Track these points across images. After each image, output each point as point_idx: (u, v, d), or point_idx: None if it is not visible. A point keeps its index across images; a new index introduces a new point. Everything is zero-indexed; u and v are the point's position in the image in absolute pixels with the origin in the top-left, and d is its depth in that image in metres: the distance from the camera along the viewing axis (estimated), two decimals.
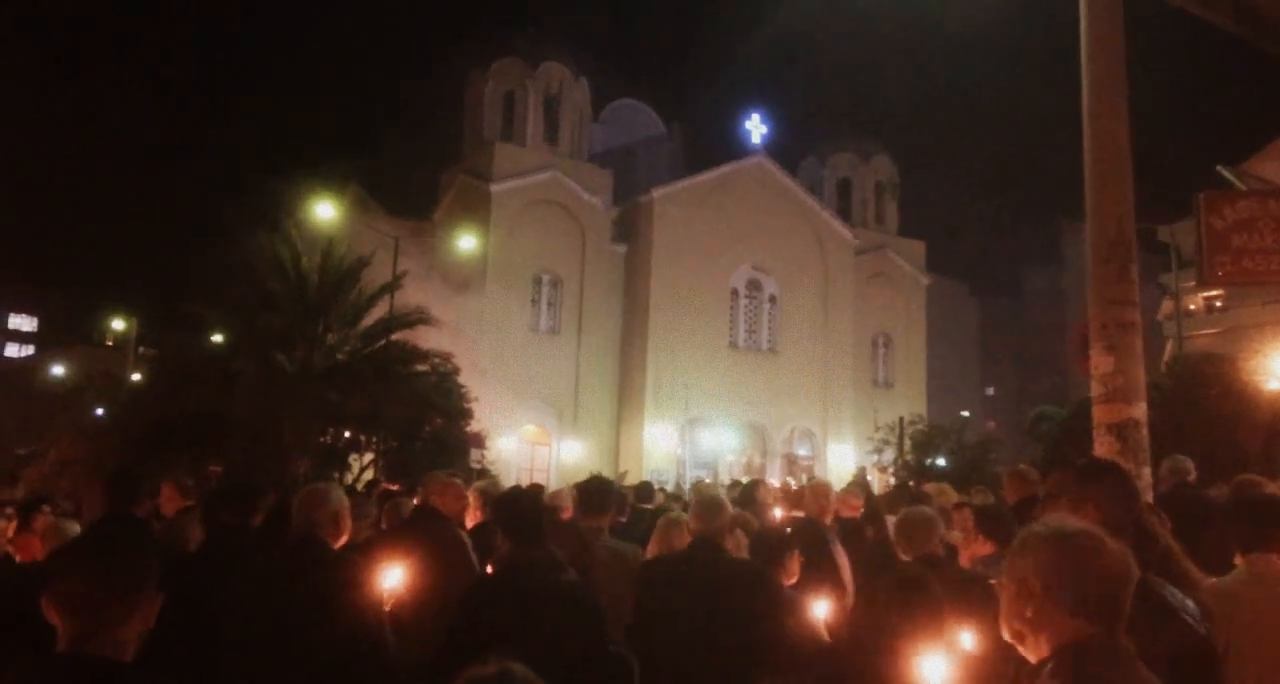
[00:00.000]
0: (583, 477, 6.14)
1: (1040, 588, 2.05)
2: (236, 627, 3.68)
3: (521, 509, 3.89)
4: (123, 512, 5.37)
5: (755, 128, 46.99)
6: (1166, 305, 35.50)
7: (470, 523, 5.75)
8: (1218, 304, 39.01)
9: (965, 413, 48.29)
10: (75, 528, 5.16)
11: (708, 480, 29.20)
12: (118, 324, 44.39)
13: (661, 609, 4.09)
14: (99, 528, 5.36)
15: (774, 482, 30.78)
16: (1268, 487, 5.19)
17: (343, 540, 4.10)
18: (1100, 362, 5.72)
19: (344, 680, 3.53)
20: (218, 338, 20.15)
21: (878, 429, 33.77)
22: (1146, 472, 5.64)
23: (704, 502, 4.40)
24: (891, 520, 5.48)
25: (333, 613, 3.63)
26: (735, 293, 45.86)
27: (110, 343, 49.93)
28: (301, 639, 3.55)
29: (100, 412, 24.18)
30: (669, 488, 17.64)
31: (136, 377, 30.03)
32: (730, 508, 4.47)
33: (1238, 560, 3.57)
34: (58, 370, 41.92)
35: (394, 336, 19.65)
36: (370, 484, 14.06)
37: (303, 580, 3.71)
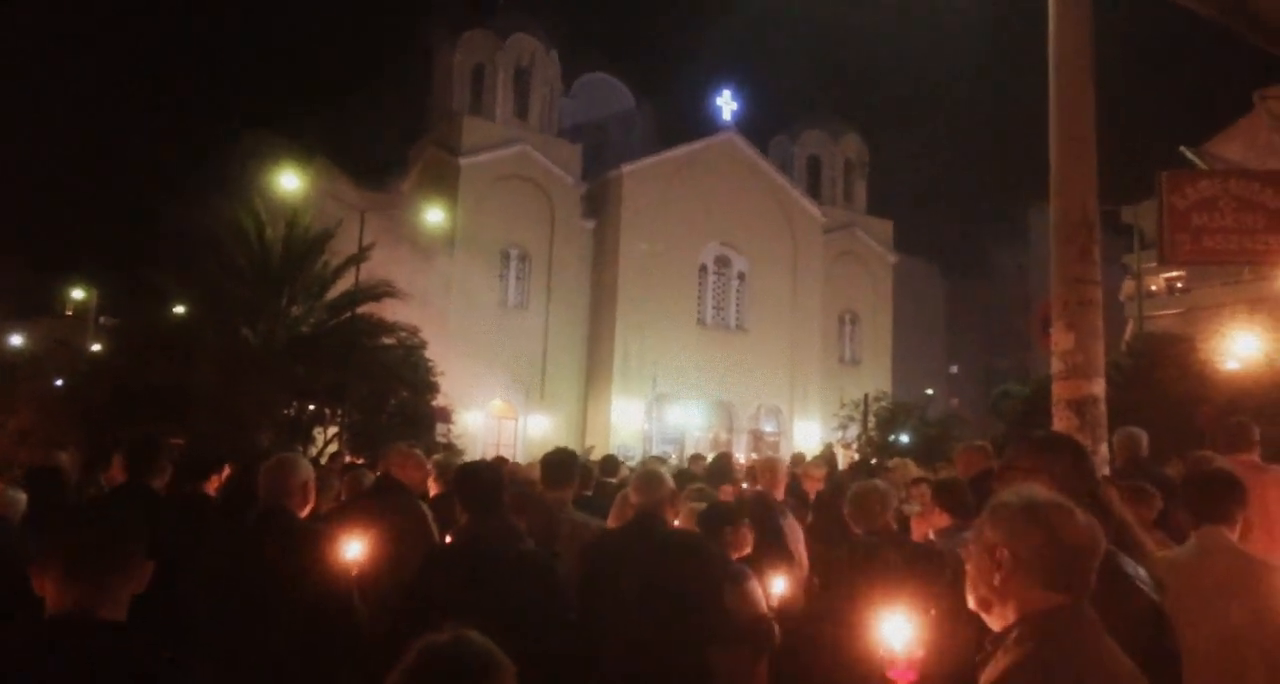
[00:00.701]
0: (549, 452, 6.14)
1: (1010, 557, 2.05)
2: (209, 595, 3.66)
3: (480, 480, 3.89)
4: (138, 482, 5.36)
5: (726, 104, 46.91)
6: (1129, 286, 35.94)
7: (431, 494, 5.75)
8: (1179, 285, 39.56)
9: (930, 391, 48.77)
10: (22, 497, 5.10)
11: (672, 456, 29.29)
12: (78, 294, 43.81)
13: (607, 584, 4.10)
14: (113, 495, 5.34)
15: (740, 457, 30.91)
16: (1219, 462, 5.27)
17: (308, 511, 4.09)
18: (1061, 339, 5.79)
19: (316, 647, 3.52)
20: (180, 309, 19.91)
21: (843, 406, 34.04)
22: (1104, 447, 5.73)
23: (644, 475, 4.41)
24: None
25: (303, 580, 3.63)
26: (704, 269, 45.90)
27: (70, 313, 49.21)
28: (274, 607, 3.55)
29: (60, 382, 23.83)
30: (634, 464, 17.67)
31: (97, 347, 29.65)
32: (670, 482, 4.47)
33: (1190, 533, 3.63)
34: (16, 340, 41.24)
35: (360, 309, 19.50)
36: (333, 457, 13.99)
37: (271, 549, 3.71)
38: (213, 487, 5.62)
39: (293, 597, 3.60)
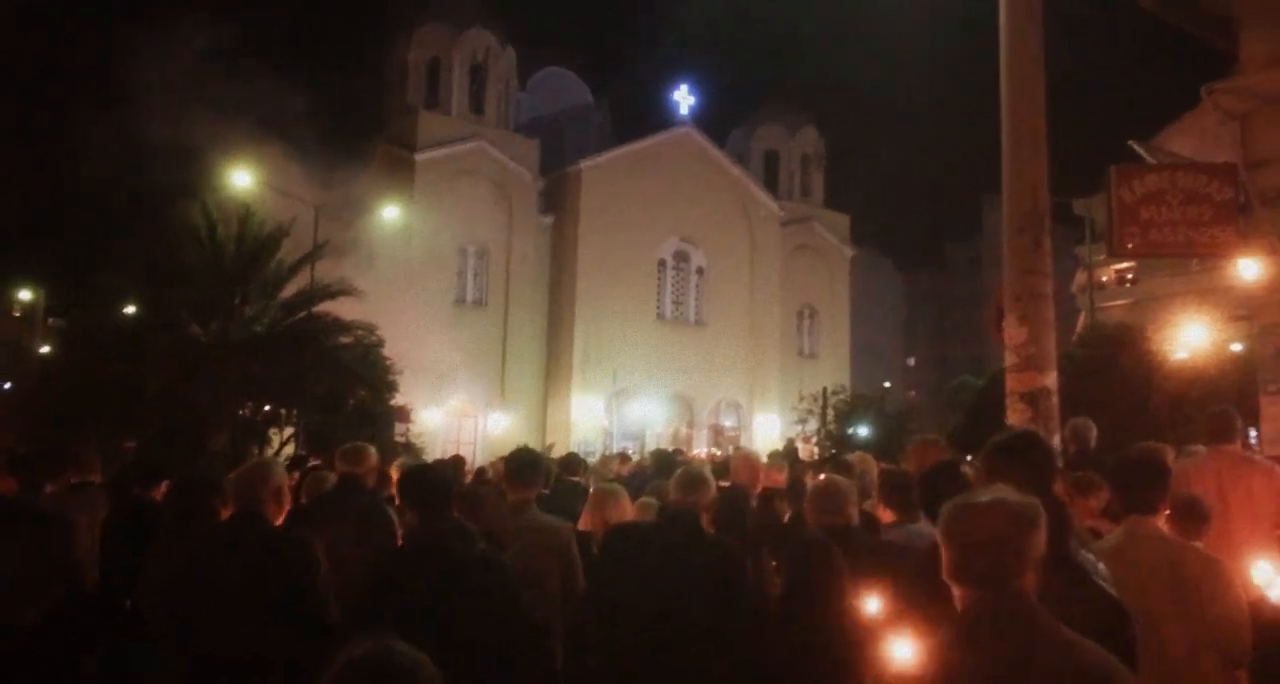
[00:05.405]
0: (510, 450, 6.09)
1: (944, 557, 2.20)
2: (168, 602, 3.60)
3: (425, 481, 3.86)
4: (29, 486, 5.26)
5: (683, 99, 46.90)
6: (1080, 277, 36.46)
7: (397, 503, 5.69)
8: (1129, 276, 40.19)
9: (887, 383, 49.21)
10: None
11: (632, 453, 29.23)
12: (25, 294, 42.93)
13: (625, 578, 4.08)
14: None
15: (700, 452, 30.98)
16: (1165, 454, 5.35)
17: (281, 518, 4.05)
18: (1014, 332, 5.86)
19: (291, 656, 3.48)
20: (131, 309, 19.60)
21: (801, 400, 34.20)
22: (1056, 439, 5.82)
23: (688, 475, 4.39)
24: None
25: (282, 587, 3.59)
26: (663, 264, 45.92)
27: (18, 314, 48.25)
28: (247, 615, 3.50)
29: (8, 385, 23.38)
30: (594, 460, 17.65)
31: (46, 348, 29.10)
32: (713, 487, 4.43)
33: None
34: None
35: (316, 308, 19.27)
36: (296, 460, 13.76)
37: (247, 555, 3.66)
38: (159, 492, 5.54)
39: (269, 604, 3.55)
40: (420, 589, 3.47)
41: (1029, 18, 6.19)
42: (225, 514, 4.25)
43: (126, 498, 5.62)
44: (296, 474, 7.25)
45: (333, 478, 6.28)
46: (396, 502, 5.73)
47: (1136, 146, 8.24)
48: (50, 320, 36.77)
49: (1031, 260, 5.87)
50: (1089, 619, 2.37)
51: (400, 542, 4.82)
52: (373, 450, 5.69)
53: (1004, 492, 2.24)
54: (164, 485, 5.73)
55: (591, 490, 5.93)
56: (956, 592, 2.17)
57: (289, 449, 18.21)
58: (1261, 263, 6.89)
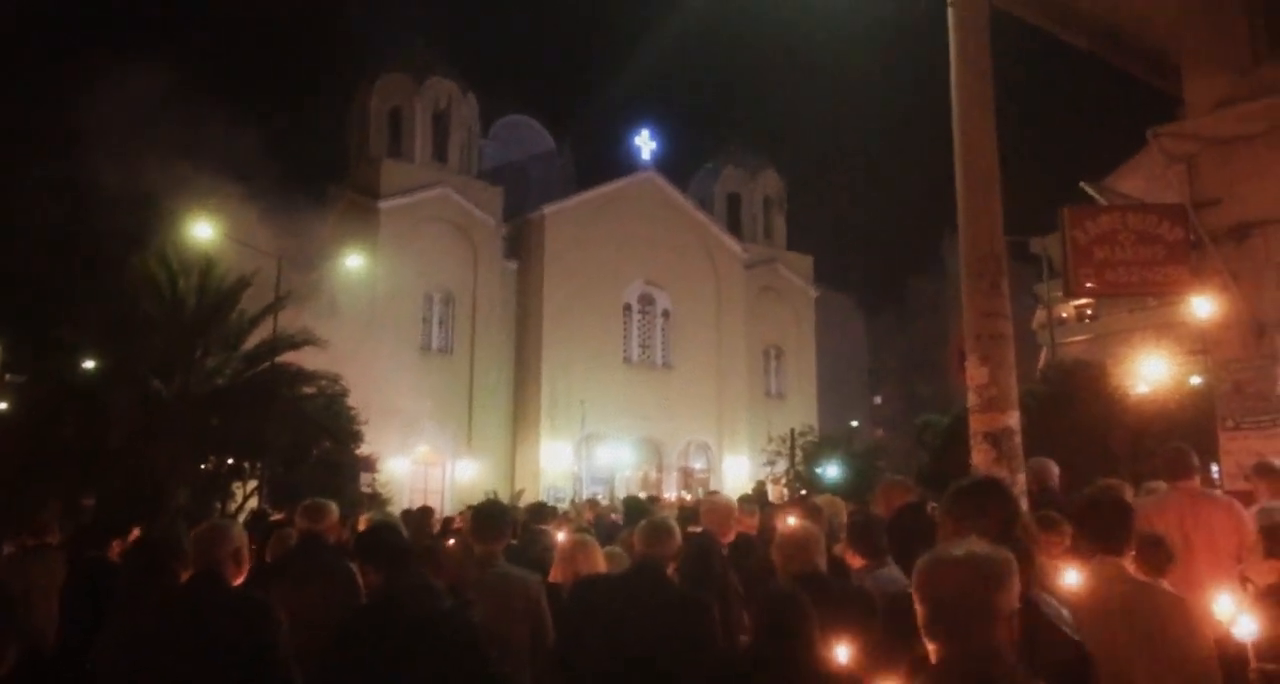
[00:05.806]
0: (478, 497, 6.03)
1: (918, 613, 2.19)
2: (126, 666, 3.53)
3: (388, 538, 3.82)
4: None
5: (644, 143, 47.30)
6: (1040, 314, 36.96)
7: None
8: (1088, 312, 40.79)
9: (854, 422, 49.38)
10: None
11: (602, 498, 29.10)
12: None
13: (591, 631, 4.03)
14: None
15: (670, 496, 30.87)
16: (1124, 491, 5.39)
17: (241, 578, 3.99)
18: (975, 373, 5.91)
19: None
20: (90, 364, 19.32)
21: (770, 441, 34.21)
22: (1021, 478, 5.85)
23: (652, 526, 4.34)
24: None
25: (237, 653, 3.52)
26: (628, 308, 46.00)
27: None
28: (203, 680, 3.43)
29: None
30: (564, 506, 17.52)
31: (3, 405, 28.56)
32: (679, 536, 4.38)
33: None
34: None
35: (279, 359, 19.10)
36: (258, 516, 13.53)
37: (204, 618, 3.59)
38: (115, 552, 5.45)
39: (229, 665, 3.49)
40: (385, 646, 3.42)
41: (979, 63, 6.32)
42: (184, 576, 4.18)
43: (83, 560, 5.51)
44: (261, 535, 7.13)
45: (295, 535, 6.19)
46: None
47: (1088, 188, 8.42)
48: (8, 377, 36.12)
49: (990, 303, 5.95)
50: (1053, 664, 2.37)
51: (364, 599, 4.76)
52: (334, 506, 5.61)
53: (976, 545, 2.23)
54: (115, 545, 5.63)
55: (561, 541, 5.86)
56: (931, 647, 2.15)
57: (252, 503, 17.94)
58: (1214, 300, 7.02)
